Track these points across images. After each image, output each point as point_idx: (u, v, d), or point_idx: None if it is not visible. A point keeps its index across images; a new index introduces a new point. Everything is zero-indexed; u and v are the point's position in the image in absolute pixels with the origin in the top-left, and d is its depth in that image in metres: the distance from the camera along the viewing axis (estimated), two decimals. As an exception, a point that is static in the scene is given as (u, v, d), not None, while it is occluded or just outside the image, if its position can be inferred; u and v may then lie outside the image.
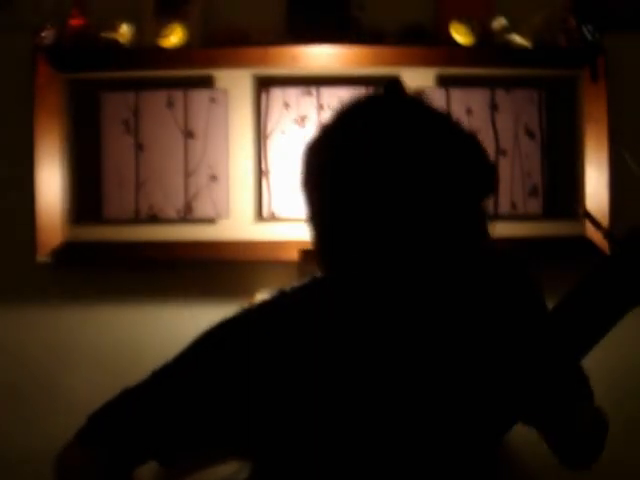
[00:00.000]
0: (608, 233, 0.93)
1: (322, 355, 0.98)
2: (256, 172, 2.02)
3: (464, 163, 0.93)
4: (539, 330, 0.92)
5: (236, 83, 2.03)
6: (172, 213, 2.03)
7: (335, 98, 2.00)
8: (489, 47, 1.99)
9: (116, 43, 1.99)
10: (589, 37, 1.97)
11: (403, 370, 0.97)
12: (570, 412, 0.99)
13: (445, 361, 0.97)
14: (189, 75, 2.02)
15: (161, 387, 1.02)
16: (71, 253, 2.01)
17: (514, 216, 2.01)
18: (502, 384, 0.91)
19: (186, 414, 1.01)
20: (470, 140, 0.95)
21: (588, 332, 0.91)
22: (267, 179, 2.02)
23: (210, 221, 2.03)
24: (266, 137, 2.02)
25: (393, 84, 0.97)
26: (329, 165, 0.95)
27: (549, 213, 2.03)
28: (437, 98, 2.01)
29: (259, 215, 2.02)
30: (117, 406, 1.03)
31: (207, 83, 2.03)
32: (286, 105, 2.02)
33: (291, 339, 0.99)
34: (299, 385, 0.97)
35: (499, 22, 1.99)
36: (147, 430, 1.01)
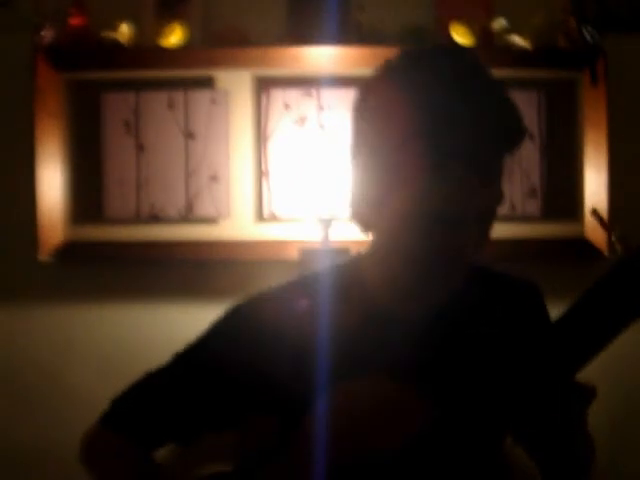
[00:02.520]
0: (620, 237, 0.93)
1: (330, 346, 0.99)
2: (256, 172, 2.02)
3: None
4: (543, 344, 0.93)
5: (236, 84, 2.03)
6: (173, 213, 2.03)
7: (335, 99, 2.00)
8: (489, 48, 1.99)
9: (116, 43, 1.99)
10: (589, 39, 1.97)
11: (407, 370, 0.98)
12: (564, 434, 1.00)
13: (447, 367, 0.99)
14: (189, 76, 2.02)
15: (182, 372, 1.04)
16: (72, 252, 2.01)
17: (513, 217, 2.01)
18: (503, 393, 0.92)
19: (206, 399, 1.03)
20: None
21: (594, 341, 0.90)
22: (267, 179, 2.02)
23: (211, 221, 2.03)
24: (266, 138, 2.02)
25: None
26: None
27: (548, 214, 2.04)
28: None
29: (259, 215, 2.03)
30: (139, 390, 1.05)
31: (207, 84, 2.03)
32: (286, 106, 2.02)
33: (305, 325, 1.01)
34: (307, 373, 0.98)
35: (499, 23, 1.99)
36: (169, 414, 1.03)
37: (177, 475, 1.02)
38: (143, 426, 1.03)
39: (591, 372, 1.05)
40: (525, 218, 2.03)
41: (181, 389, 1.03)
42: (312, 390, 0.96)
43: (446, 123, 0.93)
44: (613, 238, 0.94)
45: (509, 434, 1.00)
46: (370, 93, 1.02)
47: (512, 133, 0.97)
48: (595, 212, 1.04)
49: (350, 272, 1.05)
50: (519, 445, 0.99)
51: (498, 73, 1.96)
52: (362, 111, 1.02)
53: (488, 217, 0.99)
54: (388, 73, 0.99)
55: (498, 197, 1.00)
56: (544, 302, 1.11)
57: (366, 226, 1.02)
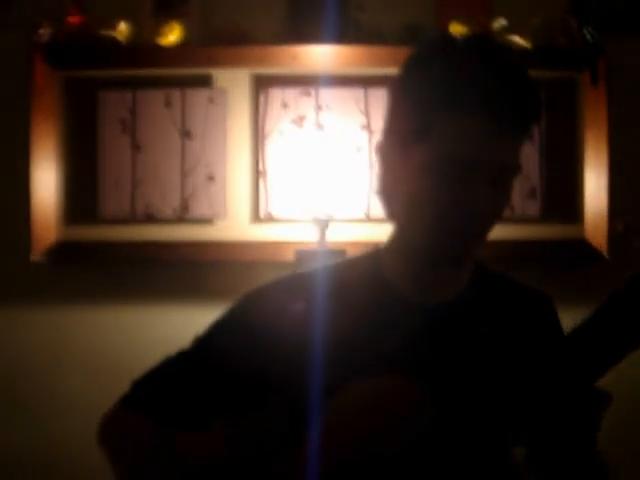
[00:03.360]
0: None
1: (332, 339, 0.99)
2: (253, 172, 2.01)
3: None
4: (554, 359, 0.92)
5: (235, 83, 2.02)
6: (168, 213, 2.01)
7: (334, 99, 1.99)
8: (489, 48, 1.98)
9: (114, 41, 1.98)
10: (589, 38, 1.96)
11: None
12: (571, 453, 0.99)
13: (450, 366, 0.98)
14: (187, 74, 2.01)
15: (192, 362, 1.05)
16: (66, 252, 2.00)
17: (512, 219, 1.99)
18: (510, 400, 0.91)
19: (212, 391, 1.04)
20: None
21: (611, 353, 0.90)
22: (264, 180, 2.01)
23: (207, 221, 2.02)
24: (264, 137, 2.00)
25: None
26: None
27: (547, 215, 2.02)
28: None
29: (256, 216, 2.01)
30: (159, 374, 1.06)
31: (205, 82, 2.02)
32: (284, 105, 2.00)
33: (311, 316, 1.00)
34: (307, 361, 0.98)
35: (499, 23, 1.98)
36: (184, 399, 1.04)
37: (192, 459, 1.01)
38: (161, 408, 1.04)
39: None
40: (524, 219, 2.01)
41: (192, 378, 1.05)
42: (313, 387, 0.96)
43: (450, 124, 0.93)
44: (637, 245, 0.93)
45: (517, 445, 0.99)
46: (388, 92, 1.02)
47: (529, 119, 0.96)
48: (617, 226, 1.03)
49: (369, 263, 1.06)
50: (529, 461, 0.98)
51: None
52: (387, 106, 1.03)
53: (494, 218, 0.98)
54: (399, 75, 0.99)
55: (507, 199, 0.98)
56: (555, 313, 1.09)
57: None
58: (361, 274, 1.04)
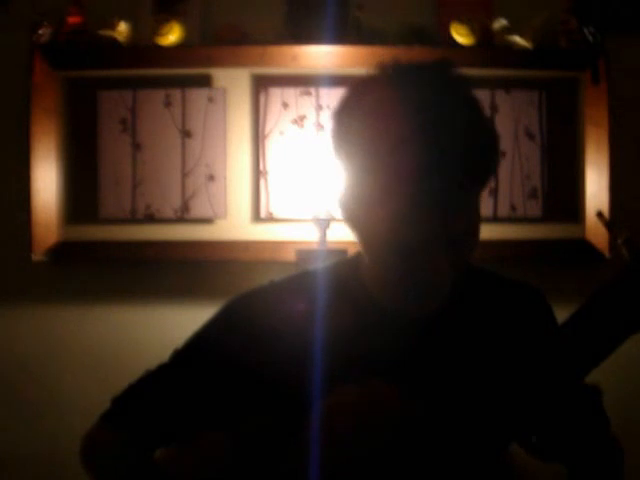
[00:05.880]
0: (626, 241, 0.91)
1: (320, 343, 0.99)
2: (254, 172, 2.01)
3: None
4: (549, 352, 0.92)
5: (234, 82, 2.01)
6: (169, 213, 2.01)
7: (334, 98, 1.98)
8: (489, 48, 1.98)
9: (114, 41, 1.98)
10: (590, 38, 1.96)
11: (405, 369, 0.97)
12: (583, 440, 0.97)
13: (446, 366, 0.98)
14: (187, 74, 2.01)
15: (180, 368, 1.04)
16: (67, 252, 2.00)
17: (513, 218, 1.99)
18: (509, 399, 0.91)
19: (203, 395, 1.03)
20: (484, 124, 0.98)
21: (599, 348, 0.89)
22: (265, 179, 2.00)
23: (207, 221, 2.02)
24: (264, 137, 2.00)
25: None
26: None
27: (549, 215, 2.02)
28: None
29: (256, 215, 2.01)
30: (140, 388, 1.05)
31: (205, 82, 2.02)
32: (285, 105, 2.00)
33: (296, 323, 1.00)
34: (299, 369, 0.98)
35: (499, 23, 1.98)
36: (169, 411, 1.03)
37: (176, 475, 1.01)
38: (144, 424, 1.03)
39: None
40: (526, 219, 2.01)
41: (180, 386, 1.03)
42: (308, 388, 0.96)
43: (427, 137, 0.93)
44: (619, 241, 0.92)
45: (519, 443, 0.99)
46: (358, 98, 1.01)
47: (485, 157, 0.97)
48: (600, 215, 1.03)
49: (348, 269, 1.05)
50: (532, 454, 0.98)
51: (499, 73, 2.00)
52: (349, 115, 1.01)
53: (458, 241, 0.97)
54: (374, 85, 0.99)
55: (473, 217, 0.98)
56: (548, 307, 1.09)
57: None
58: (340, 280, 1.04)
